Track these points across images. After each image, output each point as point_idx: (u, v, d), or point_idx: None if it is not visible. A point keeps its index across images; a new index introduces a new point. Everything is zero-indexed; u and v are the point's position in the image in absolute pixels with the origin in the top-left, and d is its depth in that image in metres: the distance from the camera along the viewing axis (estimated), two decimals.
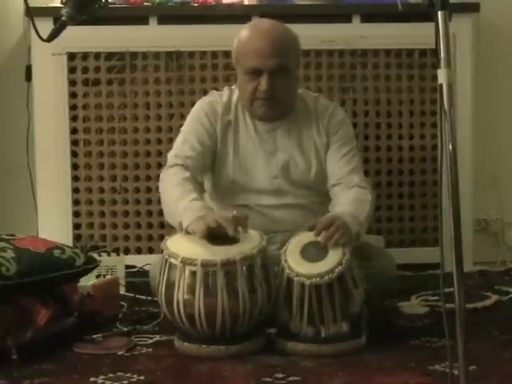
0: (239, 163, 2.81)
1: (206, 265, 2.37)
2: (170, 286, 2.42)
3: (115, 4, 3.43)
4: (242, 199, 2.80)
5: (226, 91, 2.88)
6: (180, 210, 2.55)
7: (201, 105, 2.87)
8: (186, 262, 2.39)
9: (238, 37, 2.79)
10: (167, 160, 2.79)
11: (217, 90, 3.01)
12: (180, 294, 2.39)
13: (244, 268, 2.39)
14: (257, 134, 2.83)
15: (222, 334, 2.41)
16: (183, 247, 2.45)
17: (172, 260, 2.43)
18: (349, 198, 2.69)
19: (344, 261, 2.41)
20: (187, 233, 2.50)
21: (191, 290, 2.38)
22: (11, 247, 2.54)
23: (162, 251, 2.49)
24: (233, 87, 2.89)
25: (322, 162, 2.82)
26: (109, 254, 3.15)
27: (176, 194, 2.62)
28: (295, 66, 2.80)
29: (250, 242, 2.46)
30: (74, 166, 3.47)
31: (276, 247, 2.64)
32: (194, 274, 2.38)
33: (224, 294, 2.36)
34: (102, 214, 3.49)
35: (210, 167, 2.83)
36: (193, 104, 2.97)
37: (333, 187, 2.78)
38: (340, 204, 2.68)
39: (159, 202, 2.83)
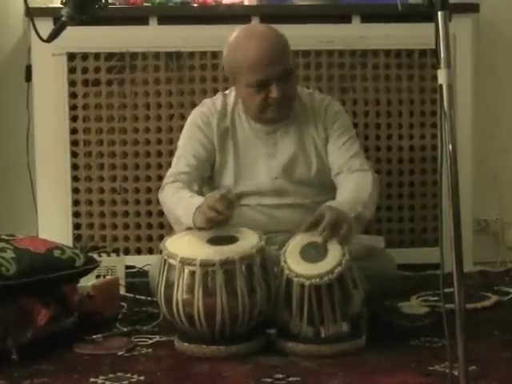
0: (240, 168, 2.80)
1: (204, 264, 2.37)
2: (169, 286, 2.42)
3: (115, 4, 3.44)
4: (242, 200, 2.80)
5: (219, 97, 2.85)
6: (180, 213, 2.57)
7: (194, 118, 2.84)
8: (184, 262, 2.39)
9: (229, 48, 2.72)
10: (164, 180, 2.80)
11: (216, 90, 3.00)
12: (179, 294, 2.39)
13: (243, 267, 2.39)
14: (256, 137, 2.82)
15: (221, 334, 2.41)
16: (182, 247, 2.46)
17: (171, 260, 2.43)
18: (350, 182, 2.70)
19: (344, 261, 2.41)
20: (200, 229, 2.49)
21: (190, 289, 2.38)
22: (11, 247, 2.54)
23: (160, 252, 2.49)
24: (226, 92, 2.87)
25: (323, 158, 2.82)
26: (109, 255, 3.15)
27: (173, 201, 2.65)
28: (293, 64, 2.80)
29: (249, 241, 2.47)
30: (74, 167, 3.47)
31: (276, 247, 2.63)
32: (192, 273, 2.38)
33: (223, 294, 2.36)
34: (102, 214, 3.48)
35: (208, 178, 2.82)
36: (193, 105, 2.97)
37: (336, 176, 2.78)
38: (341, 191, 2.69)
39: (159, 202, 2.83)
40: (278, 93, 2.67)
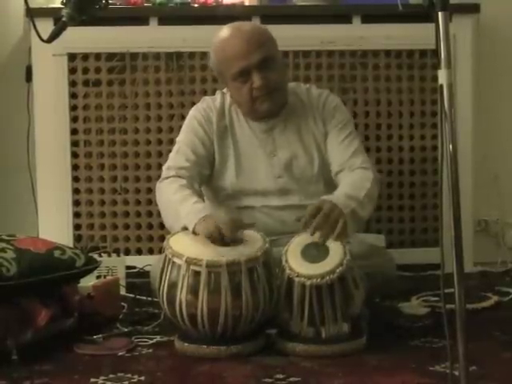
0: (241, 166, 2.80)
1: (211, 265, 2.36)
2: (173, 285, 2.41)
3: (115, 5, 3.44)
4: (246, 201, 2.79)
5: (218, 95, 2.87)
6: (183, 214, 2.55)
7: (194, 114, 2.85)
8: (190, 262, 2.38)
9: (212, 49, 2.78)
10: (162, 172, 2.78)
11: (216, 90, 3.00)
12: (183, 294, 2.38)
13: (248, 269, 2.38)
14: (254, 135, 2.82)
15: (223, 334, 2.40)
16: (187, 247, 2.44)
17: (176, 259, 2.41)
18: (349, 179, 2.70)
19: (345, 261, 2.40)
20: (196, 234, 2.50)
21: (194, 290, 2.37)
22: (11, 248, 2.54)
23: (163, 250, 2.48)
24: (224, 91, 2.87)
25: (323, 152, 2.81)
26: (109, 255, 3.15)
27: (177, 199, 2.62)
28: (278, 54, 2.80)
29: (254, 243, 2.46)
30: (75, 167, 3.47)
31: (281, 250, 2.62)
32: (198, 274, 2.37)
33: (228, 295, 2.36)
34: (103, 214, 3.49)
35: (207, 176, 2.81)
36: (193, 105, 2.96)
37: (337, 175, 2.77)
38: (339, 188, 2.69)
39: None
40: (261, 81, 2.68)
